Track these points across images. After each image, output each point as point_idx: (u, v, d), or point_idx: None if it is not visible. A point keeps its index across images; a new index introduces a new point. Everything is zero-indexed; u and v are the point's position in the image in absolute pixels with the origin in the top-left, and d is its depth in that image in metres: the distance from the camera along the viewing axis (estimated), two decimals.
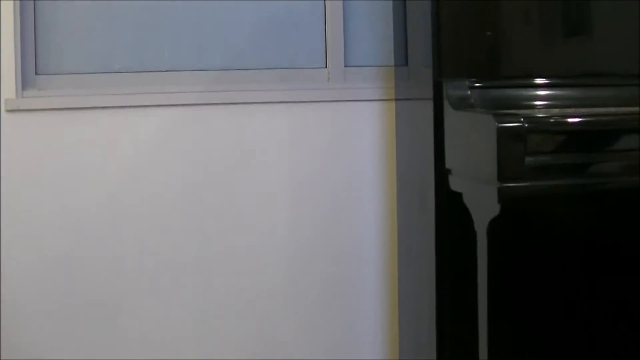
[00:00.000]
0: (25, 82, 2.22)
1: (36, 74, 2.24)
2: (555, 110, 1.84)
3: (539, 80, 1.89)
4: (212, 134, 2.27)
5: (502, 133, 1.53)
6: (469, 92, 1.80)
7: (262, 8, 2.33)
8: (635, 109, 1.68)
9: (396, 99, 2.23)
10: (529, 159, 1.55)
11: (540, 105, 1.87)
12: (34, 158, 2.20)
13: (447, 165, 1.79)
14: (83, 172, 2.21)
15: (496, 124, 1.53)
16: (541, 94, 1.89)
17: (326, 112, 2.32)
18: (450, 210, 1.81)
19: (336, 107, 2.32)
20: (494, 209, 1.56)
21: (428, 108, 1.86)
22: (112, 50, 2.28)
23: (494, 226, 1.60)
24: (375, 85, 2.33)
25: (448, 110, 1.77)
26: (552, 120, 1.66)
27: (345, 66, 2.35)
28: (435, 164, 1.83)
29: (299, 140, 2.31)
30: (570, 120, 1.70)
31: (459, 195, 1.74)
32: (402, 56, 2.14)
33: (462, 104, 1.76)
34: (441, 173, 1.82)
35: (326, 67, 2.36)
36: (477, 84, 1.83)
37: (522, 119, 1.55)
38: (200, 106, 2.25)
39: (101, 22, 2.26)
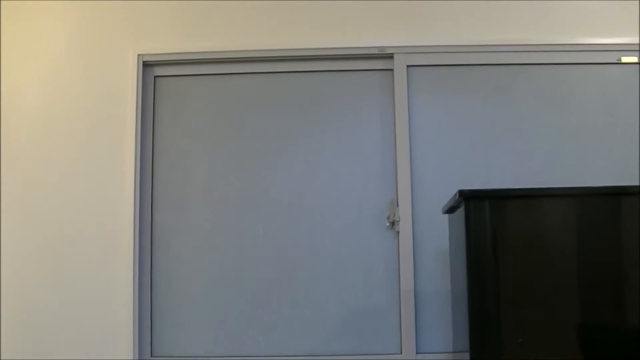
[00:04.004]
0: None
1: (151, 355, 2.63)
2: None
3: None
4: None
5: None
6: None
7: (345, 300, 2.65)
8: None
9: None
10: None
11: None
12: None
13: None
14: None
15: None
16: None
17: None
18: None
19: None
20: None
21: None
22: (215, 337, 2.66)
23: None
24: None
25: None
26: None
27: (417, 353, 2.58)
28: None
29: None
30: None
31: None
32: (464, 344, 2.29)
33: None
34: None
35: (401, 353, 2.60)
36: None
37: None
38: None
39: (208, 310, 2.66)
